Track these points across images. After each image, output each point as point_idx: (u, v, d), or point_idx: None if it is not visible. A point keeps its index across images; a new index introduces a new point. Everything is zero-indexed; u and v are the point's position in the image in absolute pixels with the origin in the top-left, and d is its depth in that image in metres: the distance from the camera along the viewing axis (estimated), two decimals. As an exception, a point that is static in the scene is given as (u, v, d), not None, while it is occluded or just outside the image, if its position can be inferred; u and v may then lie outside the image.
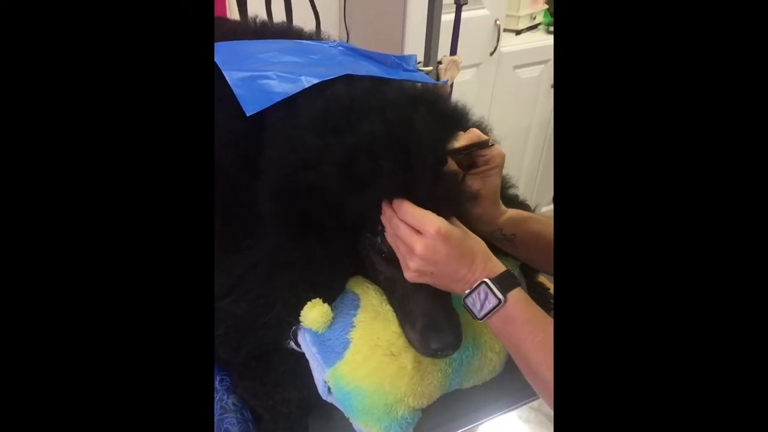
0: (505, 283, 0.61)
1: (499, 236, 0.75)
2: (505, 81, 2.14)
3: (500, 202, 0.78)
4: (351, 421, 0.71)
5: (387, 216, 0.65)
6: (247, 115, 0.72)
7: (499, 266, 0.63)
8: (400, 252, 0.64)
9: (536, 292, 0.90)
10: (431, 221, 0.61)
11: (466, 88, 1.97)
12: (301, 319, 0.69)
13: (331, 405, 0.74)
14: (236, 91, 0.74)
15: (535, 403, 0.88)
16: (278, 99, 0.73)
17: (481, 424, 0.82)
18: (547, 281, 1.03)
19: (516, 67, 2.15)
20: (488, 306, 0.61)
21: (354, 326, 0.70)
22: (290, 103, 0.73)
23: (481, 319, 0.62)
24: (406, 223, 0.62)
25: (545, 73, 2.24)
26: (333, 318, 0.70)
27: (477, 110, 0.82)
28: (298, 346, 0.73)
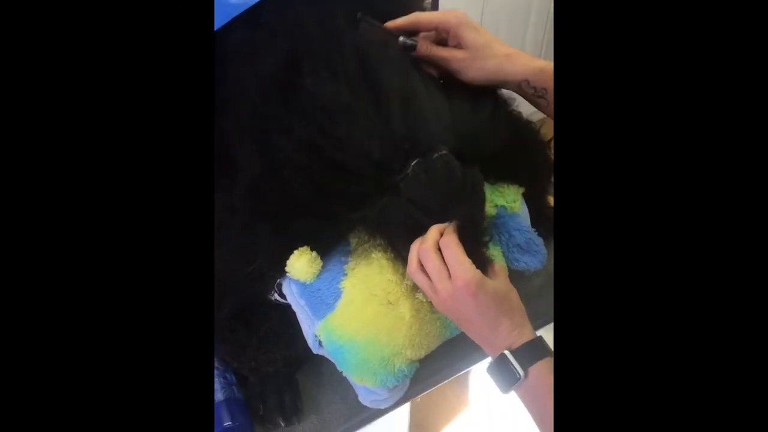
0: (527, 354, 0.59)
1: (528, 89, 0.69)
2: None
3: (517, 51, 0.69)
4: (344, 374, 0.69)
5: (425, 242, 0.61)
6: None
7: (526, 333, 0.61)
8: (423, 284, 0.62)
9: (543, 216, 0.87)
10: (465, 271, 0.58)
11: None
12: (287, 269, 0.65)
13: (322, 357, 0.72)
14: None
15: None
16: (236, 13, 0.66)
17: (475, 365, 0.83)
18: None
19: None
20: (509, 381, 0.60)
21: (346, 274, 0.67)
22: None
23: (504, 393, 0.61)
24: (437, 253, 0.60)
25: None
26: (322, 266, 0.66)
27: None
28: (284, 297, 0.69)
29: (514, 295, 0.63)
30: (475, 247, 0.61)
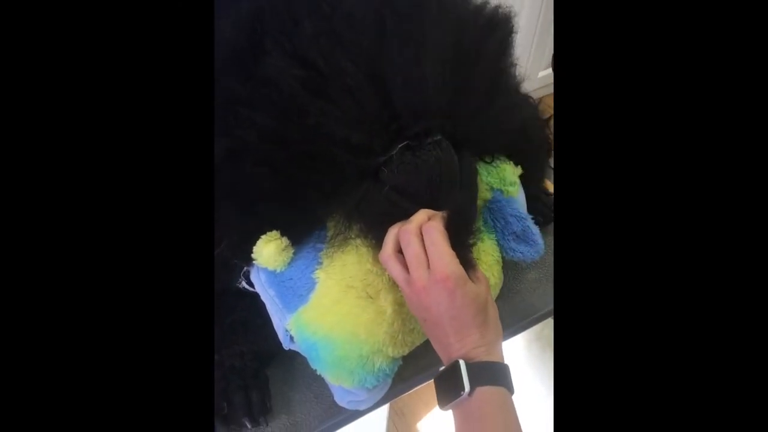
0: (482, 373, 0.52)
1: None
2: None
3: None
4: (318, 373, 0.63)
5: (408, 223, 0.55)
6: None
7: (493, 354, 0.54)
8: (396, 271, 0.55)
9: (540, 203, 0.84)
10: (446, 264, 0.52)
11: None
12: (254, 256, 0.58)
13: (295, 351, 0.65)
14: None
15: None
16: None
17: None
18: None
19: None
20: (451, 394, 0.53)
21: (321, 263, 0.61)
22: None
23: (442, 408, 0.54)
24: (420, 238, 0.54)
25: None
26: (294, 253, 0.59)
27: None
28: (252, 285, 0.62)
29: (493, 310, 0.57)
30: (461, 245, 0.56)
